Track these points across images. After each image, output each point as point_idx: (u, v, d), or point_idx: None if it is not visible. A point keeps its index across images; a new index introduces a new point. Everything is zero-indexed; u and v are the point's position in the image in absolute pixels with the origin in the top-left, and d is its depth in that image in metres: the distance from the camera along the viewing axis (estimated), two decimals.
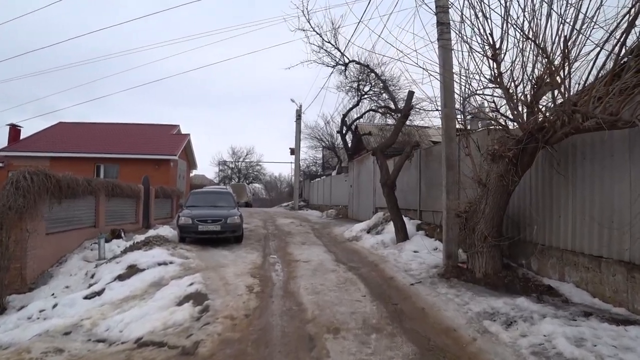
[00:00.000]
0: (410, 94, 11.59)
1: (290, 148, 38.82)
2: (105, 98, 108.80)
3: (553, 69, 5.61)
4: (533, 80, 6.66)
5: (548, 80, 6.12)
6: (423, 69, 7.31)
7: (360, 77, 27.40)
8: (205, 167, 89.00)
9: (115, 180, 18.33)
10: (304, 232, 16.69)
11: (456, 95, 8.70)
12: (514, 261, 8.23)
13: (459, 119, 8.79)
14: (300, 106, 36.89)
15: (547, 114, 6.08)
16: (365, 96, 28.55)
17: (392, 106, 13.30)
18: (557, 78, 5.68)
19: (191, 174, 46.88)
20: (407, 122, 14.49)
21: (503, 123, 7.19)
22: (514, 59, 6.92)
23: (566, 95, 5.60)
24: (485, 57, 7.02)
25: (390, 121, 27.65)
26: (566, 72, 5.70)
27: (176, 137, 31.47)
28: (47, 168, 12.37)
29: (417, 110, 12.48)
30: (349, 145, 29.48)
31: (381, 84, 24.84)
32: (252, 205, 49.16)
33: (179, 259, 10.58)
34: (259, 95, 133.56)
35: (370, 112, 29.11)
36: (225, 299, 7.12)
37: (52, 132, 31.56)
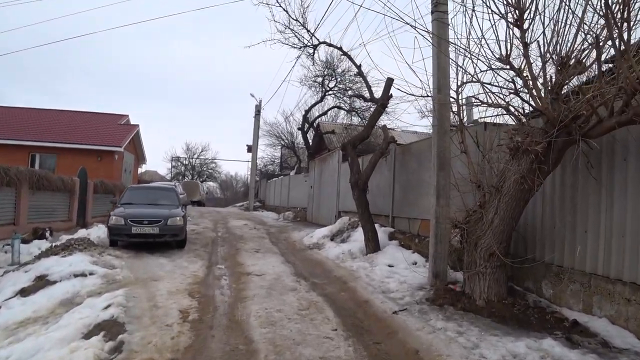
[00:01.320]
0: (389, 81, 9.99)
1: (247, 145, 36.75)
2: (63, 92, 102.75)
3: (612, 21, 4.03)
4: (560, 58, 5.15)
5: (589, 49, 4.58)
6: (413, 27, 5.65)
7: (325, 72, 25.80)
8: (159, 163, 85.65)
9: (42, 170, 15.95)
10: (259, 237, 14.82)
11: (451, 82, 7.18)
12: (519, 285, 6.69)
13: (453, 109, 7.21)
14: (260, 101, 34.95)
15: (591, 96, 4.51)
16: (330, 92, 26.97)
17: (367, 95, 11.50)
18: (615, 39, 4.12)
19: (140, 169, 44.08)
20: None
21: (518, 111, 5.62)
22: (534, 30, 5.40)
23: (629, 67, 4.04)
24: (500, 23, 5.45)
25: (355, 120, 26.14)
26: (625, 36, 4.16)
27: (123, 128, 28.85)
28: None
29: (402, 94, 10.81)
30: (310, 143, 27.79)
31: (352, 74, 23.33)
32: (205, 205, 46.79)
33: (102, 268, 8.56)
34: (218, 92, 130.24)
35: (335, 109, 27.55)
36: (147, 332, 5.21)
37: None
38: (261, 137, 37.37)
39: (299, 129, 27.57)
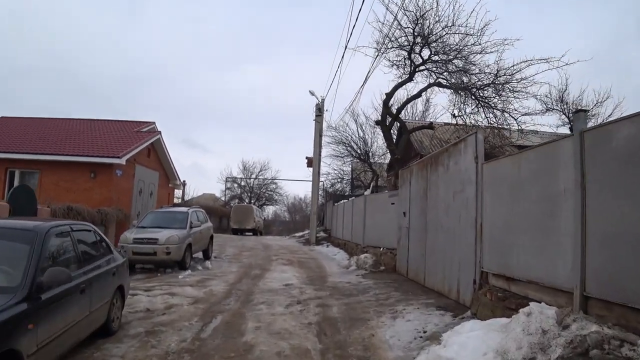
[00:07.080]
0: None
1: (307, 157, 28.16)
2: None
3: None
4: None
5: None
6: None
7: (415, 36, 16.81)
8: (217, 186, 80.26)
9: None
10: (293, 348, 5.84)
11: None
12: None
13: None
14: (322, 100, 26.59)
15: None
16: (422, 67, 17.92)
17: None
18: None
19: (180, 192, 37.03)
20: None
21: None
22: None
23: None
24: None
25: (469, 107, 16.66)
26: None
27: (134, 136, 21.18)
28: None
29: None
30: (394, 142, 18.64)
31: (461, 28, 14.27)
32: (261, 233, 38.83)
33: None
34: (285, 110, 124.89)
35: (430, 89, 18.27)
36: None
37: None
38: (326, 146, 28.80)
39: (376, 122, 18.36)
